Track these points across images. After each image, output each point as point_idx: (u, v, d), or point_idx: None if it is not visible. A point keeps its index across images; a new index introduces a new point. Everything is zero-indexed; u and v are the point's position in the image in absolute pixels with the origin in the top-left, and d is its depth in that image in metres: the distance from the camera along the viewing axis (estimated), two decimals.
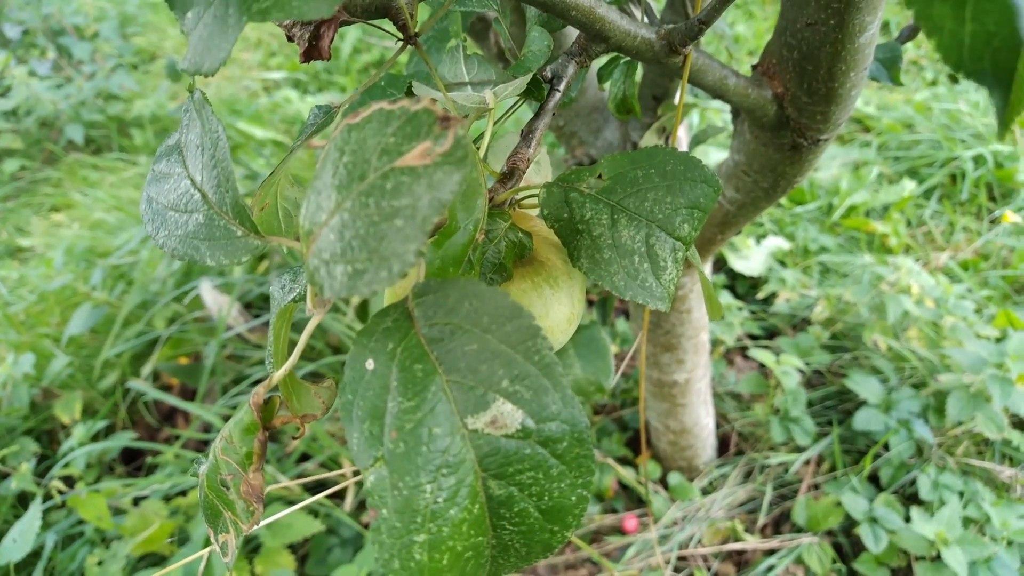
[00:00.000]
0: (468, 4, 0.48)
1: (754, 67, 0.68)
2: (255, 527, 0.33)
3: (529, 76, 0.46)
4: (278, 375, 0.33)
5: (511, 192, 0.43)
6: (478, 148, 0.45)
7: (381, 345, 0.29)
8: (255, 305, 1.74)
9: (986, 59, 0.22)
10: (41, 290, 1.79)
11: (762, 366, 1.58)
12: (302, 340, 0.32)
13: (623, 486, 1.41)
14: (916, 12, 0.22)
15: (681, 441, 1.36)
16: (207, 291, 1.64)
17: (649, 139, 0.97)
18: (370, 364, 0.29)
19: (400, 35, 0.39)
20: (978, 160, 2.13)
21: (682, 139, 1.12)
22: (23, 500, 1.37)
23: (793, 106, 0.67)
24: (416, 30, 0.39)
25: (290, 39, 0.38)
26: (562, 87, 0.51)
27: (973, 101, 2.32)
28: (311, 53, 0.36)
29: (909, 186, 2.02)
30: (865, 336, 1.48)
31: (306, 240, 0.27)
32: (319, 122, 0.38)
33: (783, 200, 2.06)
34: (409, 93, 0.49)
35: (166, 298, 1.69)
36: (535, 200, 0.46)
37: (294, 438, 0.34)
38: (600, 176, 0.39)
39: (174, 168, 0.33)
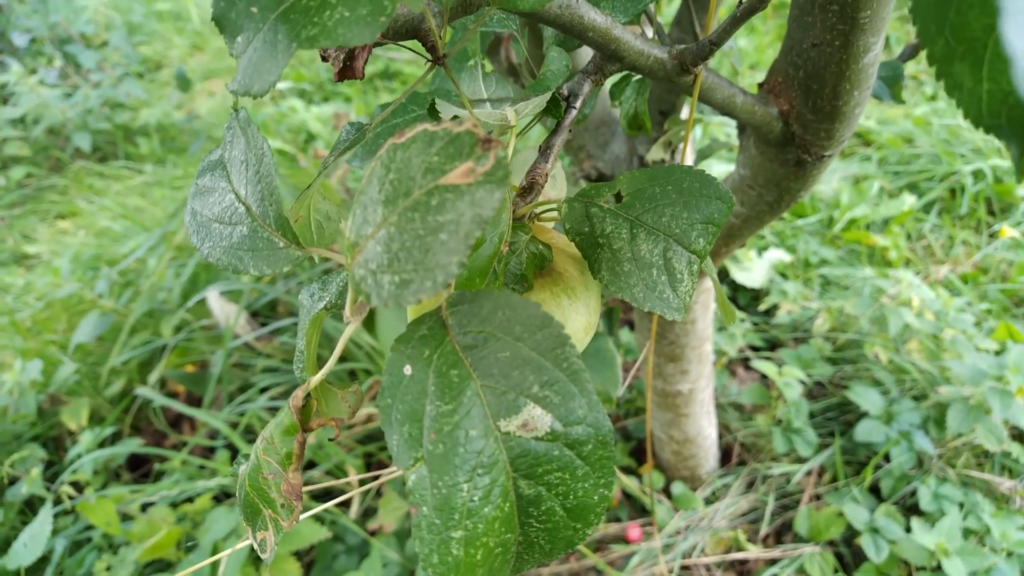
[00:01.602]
0: (491, 25, 0.50)
1: (760, 85, 0.70)
2: (292, 526, 0.34)
3: (548, 94, 0.48)
4: (315, 380, 0.35)
5: (531, 206, 0.45)
6: None
7: (418, 352, 0.31)
8: (261, 314, 1.75)
9: (1003, 115, 0.24)
10: (48, 297, 1.80)
11: (764, 377, 1.59)
12: (339, 347, 0.34)
13: (627, 495, 1.42)
14: (937, 71, 0.24)
15: (684, 451, 1.37)
16: (214, 300, 1.65)
17: (656, 153, 0.99)
18: (407, 370, 0.31)
19: (428, 56, 0.41)
20: (977, 175, 2.16)
21: (688, 153, 1.14)
22: (30, 505, 1.38)
23: (798, 123, 0.69)
24: (444, 51, 0.41)
25: (325, 59, 0.39)
26: (578, 104, 0.53)
27: None
28: (345, 73, 0.38)
29: (909, 200, 2.04)
30: (866, 348, 1.50)
31: (351, 251, 0.29)
32: (351, 139, 0.40)
33: (785, 213, 2.09)
34: (431, 110, 0.51)
35: (173, 306, 1.71)
36: (553, 213, 0.48)
37: (330, 440, 0.35)
38: (619, 192, 0.40)
39: (218, 182, 0.35)
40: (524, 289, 0.43)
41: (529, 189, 0.48)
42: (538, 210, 0.47)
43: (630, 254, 0.38)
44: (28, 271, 2.17)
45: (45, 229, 2.37)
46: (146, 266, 1.85)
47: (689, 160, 1.14)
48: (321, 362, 0.43)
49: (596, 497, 0.32)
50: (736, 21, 0.51)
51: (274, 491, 0.33)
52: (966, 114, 0.25)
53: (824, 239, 1.99)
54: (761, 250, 1.92)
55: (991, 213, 2.13)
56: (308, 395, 0.36)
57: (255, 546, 0.34)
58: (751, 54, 2.90)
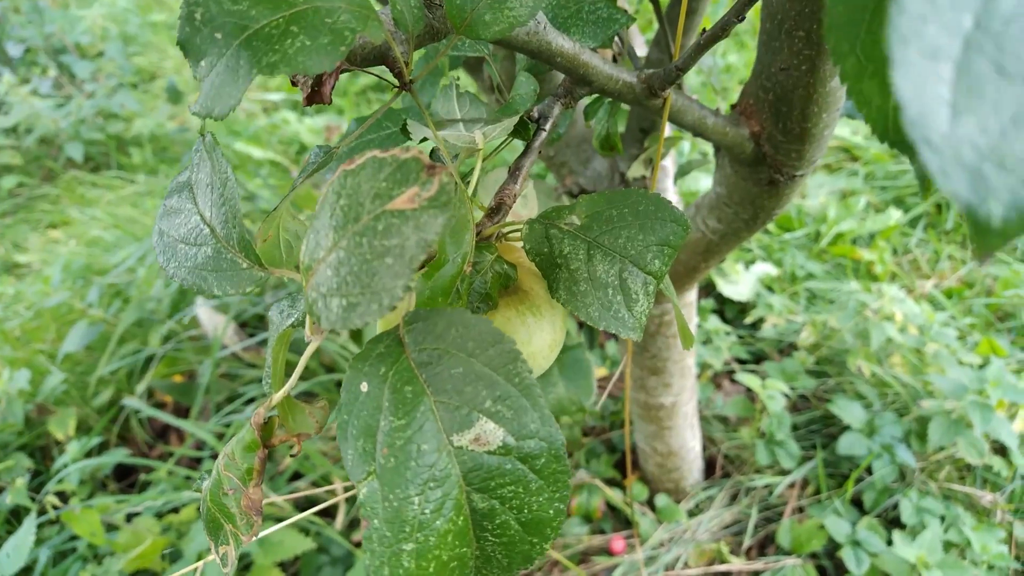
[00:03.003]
0: (462, 49, 0.52)
1: (733, 106, 0.71)
2: (251, 540, 0.35)
3: (516, 118, 0.49)
4: (277, 397, 0.36)
5: (498, 227, 0.46)
6: (468, 184, 0.48)
7: (374, 369, 0.32)
8: (250, 324, 1.76)
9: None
10: (37, 306, 1.81)
11: (748, 390, 1.61)
12: (300, 364, 0.35)
13: (611, 507, 1.43)
14: (849, 88, 0.26)
15: (668, 463, 1.38)
16: (203, 310, 1.66)
17: (636, 169, 1.01)
18: (364, 386, 0.32)
19: (396, 82, 0.42)
20: None
21: (669, 169, 1.16)
22: (16, 515, 1.38)
23: (769, 144, 0.70)
24: (411, 77, 0.42)
25: (294, 84, 0.41)
26: (548, 127, 0.54)
27: None
28: (313, 98, 0.39)
29: (895, 215, 2.06)
30: (849, 362, 1.51)
31: (306, 275, 0.30)
32: (319, 161, 0.41)
33: (771, 226, 2.11)
34: (403, 129, 0.53)
35: (162, 316, 1.72)
36: (519, 231, 0.50)
37: (291, 456, 0.36)
38: (579, 214, 0.42)
39: (185, 204, 0.36)
40: (489, 308, 0.44)
41: (497, 209, 0.49)
42: (505, 230, 0.48)
43: (587, 274, 0.40)
44: (18, 280, 2.17)
45: (36, 238, 2.38)
46: (136, 276, 1.86)
47: (669, 176, 1.15)
48: (306, 375, 0.44)
49: (551, 511, 0.33)
50: (700, 48, 0.53)
51: (234, 506, 0.34)
52: (873, 129, 0.26)
53: (811, 253, 2.01)
54: (748, 263, 1.94)
55: None
56: (272, 412, 0.37)
57: (217, 560, 0.35)
58: (740, 69, 2.92)
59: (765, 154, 0.72)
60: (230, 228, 0.34)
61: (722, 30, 0.51)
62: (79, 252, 2.18)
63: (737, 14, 0.50)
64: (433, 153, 0.50)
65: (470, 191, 0.46)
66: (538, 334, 0.45)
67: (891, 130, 0.26)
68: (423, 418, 0.31)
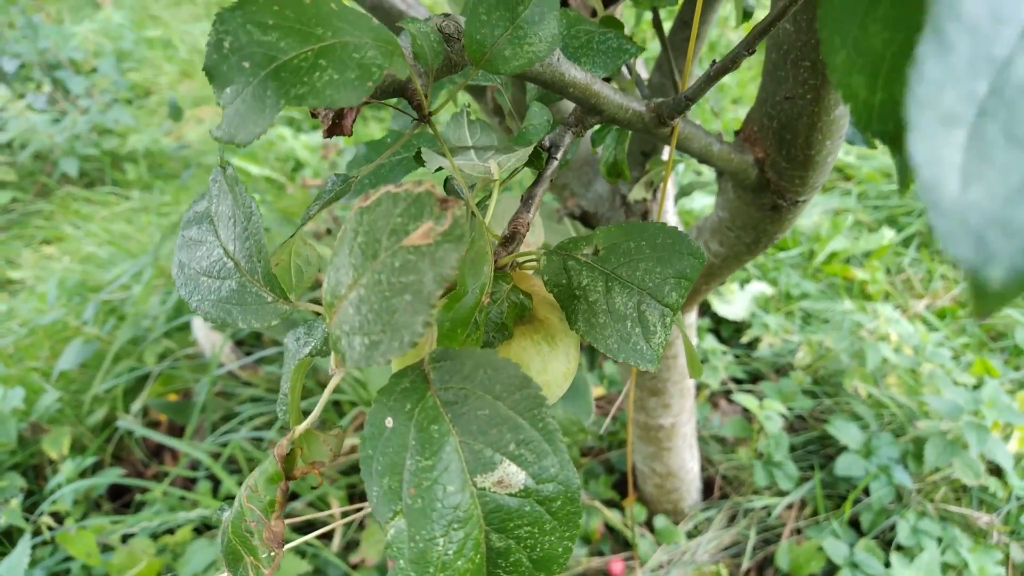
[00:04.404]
0: (476, 79, 0.52)
1: (737, 133, 0.72)
2: (272, 573, 0.35)
3: (531, 148, 0.49)
4: (300, 429, 0.36)
5: (512, 256, 0.46)
6: (484, 214, 0.48)
7: (400, 405, 0.32)
8: (247, 343, 1.75)
9: (890, 122, 0.26)
10: (31, 324, 1.79)
11: (746, 410, 1.61)
12: (323, 398, 0.35)
13: (610, 529, 1.42)
14: (837, 81, 0.26)
15: (667, 484, 1.38)
16: (200, 328, 1.65)
17: (637, 193, 1.01)
18: (389, 422, 0.32)
19: (415, 114, 0.42)
20: None
21: (669, 191, 1.16)
22: (8, 536, 1.36)
23: (773, 170, 0.71)
24: (430, 109, 0.42)
25: (314, 116, 0.41)
26: (559, 155, 0.54)
27: None
28: (334, 130, 0.40)
29: (888, 234, 2.08)
30: (846, 382, 1.52)
31: (329, 312, 0.30)
32: (336, 190, 0.41)
33: (762, 253, 2.12)
34: (417, 157, 0.53)
35: (157, 334, 1.71)
36: (533, 260, 0.50)
37: (312, 488, 0.36)
38: (596, 246, 0.42)
39: (206, 236, 0.36)
40: (505, 337, 0.44)
41: (511, 238, 0.49)
42: (520, 259, 0.49)
43: (605, 306, 0.40)
44: (11, 297, 2.16)
45: (30, 254, 2.36)
46: (131, 293, 1.85)
47: (670, 198, 1.16)
48: (304, 394, 0.44)
49: (560, 548, 0.33)
50: (710, 80, 0.53)
51: (256, 539, 0.34)
52: (858, 121, 0.27)
53: (805, 272, 2.02)
54: (743, 283, 1.95)
55: None
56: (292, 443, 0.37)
57: None
58: (733, 89, 2.96)
59: (768, 180, 0.72)
60: (255, 262, 0.34)
61: (732, 62, 0.52)
62: (73, 269, 2.17)
63: (748, 47, 0.51)
64: (448, 183, 0.50)
65: (486, 220, 0.46)
66: (553, 363, 0.45)
67: (875, 121, 0.27)
68: (449, 459, 0.31)
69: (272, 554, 0.34)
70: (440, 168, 0.50)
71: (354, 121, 0.40)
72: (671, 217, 1.15)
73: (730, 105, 2.91)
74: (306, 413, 0.39)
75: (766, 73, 0.66)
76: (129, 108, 3.17)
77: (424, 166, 0.52)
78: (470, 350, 0.31)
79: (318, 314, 0.48)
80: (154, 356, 1.66)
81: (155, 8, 4.28)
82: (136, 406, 1.54)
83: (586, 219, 1.07)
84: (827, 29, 0.27)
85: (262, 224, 0.34)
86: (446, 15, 0.44)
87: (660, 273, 0.40)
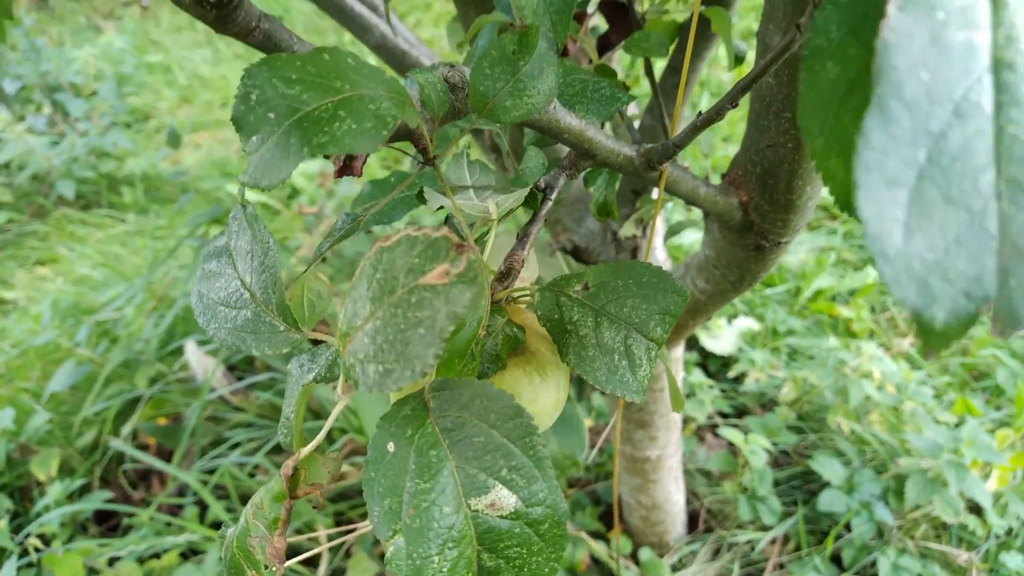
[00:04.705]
0: (478, 125, 0.55)
1: (723, 176, 0.76)
2: None
3: (527, 190, 0.52)
4: (305, 451, 0.38)
5: (508, 292, 0.49)
6: (482, 251, 0.51)
7: (401, 431, 0.34)
8: (238, 367, 1.76)
9: None
10: (23, 344, 1.80)
11: (731, 444, 1.63)
12: (328, 423, 0.37)
13: (595, 560, 1.43)
14: (816, 164, 0.29)
15: (652, 517, 1.39)
16: (192, 352, 1.66)
17: (628, 229, 1.05)
18: (391, 447, 0.34)
19: (420, 157, 0.45)
20: None
21: (659, 228, 1.20)
22: None
23: (756, 213, 0.74)
24: (434, 153, 0.45)
25: (326, 156, 0.44)
26: (553, 196, 0.57)
27: None
28: (344, 171, 0.43)
29: (873, 273, 2.12)
30: (829, 418, 1.54)
31: (343, 340, 0.33)
32: (346, 228, 0.44)
33: (747, 290, 2.16)
34: (419, 196, 0.56)
35: (149, 357, 1.72)
36: (527, 295, 0.52)
37: (313, 508, 0.38)
38: (587, 283, 0.45)
39: (225, 269, 0.39)
40: (499, 368, 0.46)
41: (507, 274, 0.52)
42: (515, 294, 0.51)
43: (595, 340, 0.43)
44: (4, 317, 2.16)
45: (23, 275, 2.37)
46: (124, 315, 1.86)
47: (659, 235, 1.20)
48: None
49: (547, 569, 0.35)
50: (696, 130, 0.57)
51: (259, 554, 0.36)
52: (836, 200, 0.30)
53: (791, 309, 2.06)
54: (731, 318, 1.98)
55: None
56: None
57: None
58: (723, 127, 3.02)
59: (752, 222, 0.76)
60: (270, 293, 0.36)
61: (717, 114, 0.55)
62: (66, 290, 2.18)
63: (731, 101, 0.54)
64: (448, 220, 0.53)
65: (484, 256, 0.49)
66: (543, 394, 0.48)
67: (852, 199, 0.30)
68: (446, 482, 0.33)
69: (274, 569, 0.36)
70: (441, 207, 0.53)
71: (364, 163, 0.42)
72: (660, 253, 1.18)
73: (721, 143, 2.98)
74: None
75: (750, 122, 0.70)
76: (127, 132, 3.20)
77: (426, 203, 0.55)
78: (468, 380, 0.34)
79: (317, 342, 0.50)
80: (145, 379, 1.67)
81: (156, 33, 4.34)
82: (126, 429, 1.55)
83: (578, 253, 1.10)
84: (806, 118, 0.30)
85: (279, 259, 0.37)
86: (451, 65, 0.48)
87: (646, 309, 0.43)
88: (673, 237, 2.16)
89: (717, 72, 3.23)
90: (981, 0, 0.21)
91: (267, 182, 0.34)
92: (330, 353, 0.45)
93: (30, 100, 3.27)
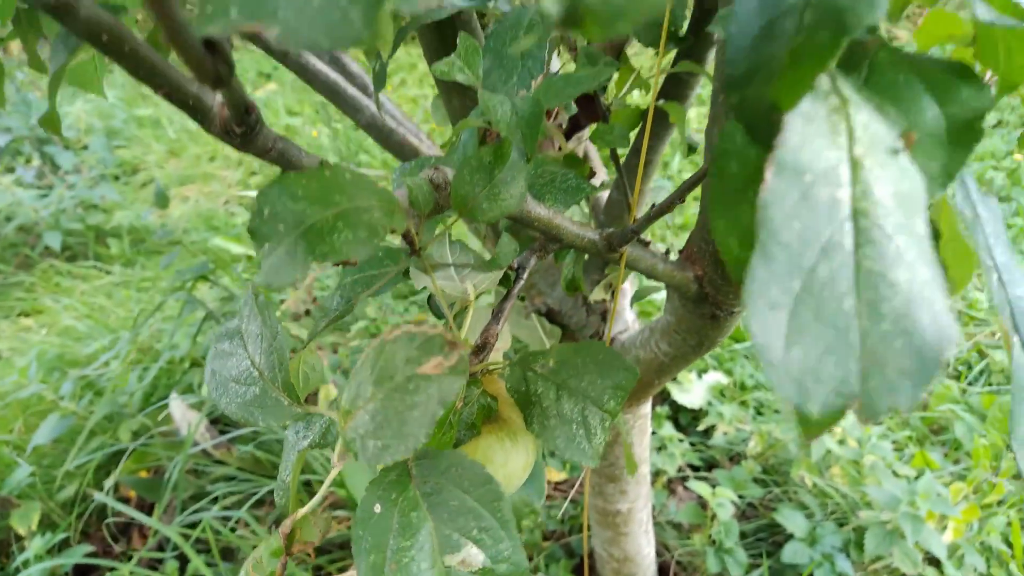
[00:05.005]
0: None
1: (680, 251, 0.83)
2: None
3: (501, 272, 0.59)
4: (302, 512, 0.44)
5: (484, 365, 0.56)
6: (460, 328, 0.58)
7: (387, 494, 0.40)
8: (221, 420, 1.80)
9: None
10: (8, 397, 1.82)
11: (700, 497, 1.68)
12: (324, 487, 0.43)
13: None
14: (718, 241, 0.36)
15: (624, 569, 1.43)
16: (176, 406, 1.70)
17: (598, 293, 1.12)
18: (377, 508, 0.40)
19: (407, 247, 0.52)
20: None
21: (627, 291, 1.28)
22: None
23: (711, 286, 0.82)
24: (420, 245, 0.52)
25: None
26: (525, 275, 0.64)
27: None
28: (344, 262, 0.49)
29: None
30: (793, 472, 1.61)
31: (345, 416, 0.39)
32: (340, 310, 0.51)
33: (707, 353, 2.24)
34: (406, 272, 0.62)
35: (133, 410, 1.74)
36: (500, 367, 0.59)
37: (303, 562, 0.44)
38: (550, 360, 0.52)
39: (236, 349, 0.45)
40: (473, 435, 0.53)
41: (482, 347, 0.58)
42: (490, 367, 0.58)
43: (556, 411, 0.49)
44: None
45: (8, 326, 2.39)
46: (109, 368, 1.89)
47: (627, 297, 1.27)
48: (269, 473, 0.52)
49: None
50: (652, 217, 0.64)
51: None
52: (731, 271, 0.36)
53: (758, 363, 2.14)
54: (701, 372, 2.05)
55: None
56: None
57: None
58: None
59: (707, 293, 0.83)
60: (276, 372, 0.43)
61: (668, 206, 0.63)
62: (51, 341, 2.20)
63: (679, 197, 0.62)
64: (431, 300, 0.59)
65: (463, 334, 0.56)
66: (514, 457, 0.54)
67: (742, 275, 0.36)
68: (424, 540, 0.39)
69: None
70: (424, 287, 0.59)
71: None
72: (628, 315, 1.26)
73: (692, 200, 3.09)
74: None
75: (702, 205, 0.78)
76: (116, 184, 3.26)
77: (410, 279, 0.62)
78: (447, 451, 0.40)
79: (310, 413, 0.56)
80: (129, 433, 1.69)
81: (147, 87, 4.43)
82: (109, 483, 1.57)
83: (551, 316, 1.17)
84: (713, 204, 0.38)
85: (286, 342, 0.43)
86: (436, 167, 0.55)
87: (600, 384, 0.50)
88: (641, 300, 2.24)
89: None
90: (843, 163, 0.29)
91: (278, 284, 0.40)
92: (323, 422, 0.51)
93: (20, 152, 3.33)
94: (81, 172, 3.16)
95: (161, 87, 0.36)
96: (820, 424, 0.29)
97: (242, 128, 0.40)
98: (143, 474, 1.68)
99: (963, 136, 0.30)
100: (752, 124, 0.29)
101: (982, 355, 2.25)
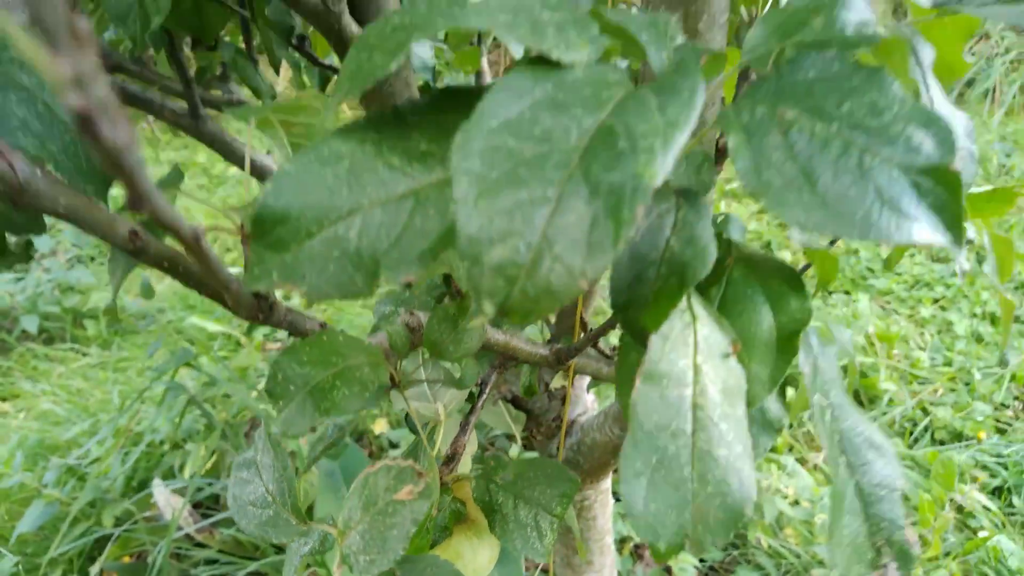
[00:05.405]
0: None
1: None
2: None
3: (467, 392, 0.71)
4: None
5: (453, 476, 0.67)
6: (433, 445, 0.69)
7: None
8: (204, 504, 1.85)
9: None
10: None
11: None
12: None
13: None
14: (617, 395, 0.48)
15: None
16: (160, 492, 1.75)
17: (558, 381, 1.24)
18: None
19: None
20: (846, 369, 2.51)
21: (584, 377, 1.40)
22: None
23: None
24: (399, 380, 0.64)
25: None
26: (487, 390, 0.76)
27: (839, 316, 2.76)
28: None
29: (789, 392, 2.36)
30: (750, 534, 1.71)
31: (341, 536, 0.50)
32: (334, 437, 0.62)
33: None
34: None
35: (116, 496, 1.80)
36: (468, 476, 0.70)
37: None
38: (510, 473, 0.63)
39: (253, 477, 0.55)
40: (446, 536, 0.63)
41: (452, 458, 0.70)
42: (460, 477, 0.69)
43: (513, 518, 0.60)
44: None
45: None
46: (91, 454, 1.94)
47: (585, 381, 1.40)
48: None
49: None
50: (591, 338, 0.77)
51: None
52: (623, 410, 0.48)
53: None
54: None
55: (860, 403, 2.46)
56: None
57: None
58: None
59: None
60: (286, 498, 0.53)
61: (603, 331, 0.76)
62: (29, 426, 2.24)
63: (613, 324, 0.75)
64: (408, 418, 0.70)
65: (434, 452, 0.67)
66: (481, 551, 0.65)
67: (629, 415, 0.48)
68: None
69: None
70: (402, 408, 0.70)
71: None
72: (587, 397, 1.38)
73: None
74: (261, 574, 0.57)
75: None
76: (92, 265, 3.33)
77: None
78: (424, 555, 0.51)
79: (312, 529, 0.66)
80: (112, 518, 1.75)
81: None
82: (95, 569, 1.61)
83: (516, 402, 1.28)
84: (618, 376, 0.50)
85: (293, 470, 0.54)
86: (411, 312, 0.67)
87: (550, 493, 0.61)
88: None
89: None
90: (689, 369, 0.41)
91: (291, 433, 0.52)
92: (321, 532, 0.61)
93: None
94: (57, 255, 3.23)
95: (204, 292, 0.48)
96: (667, 554, 0.40)
97: (264, 313, 0.52)
98: (127, 559, 1.72)
99: (787, 346, 0.43)
100: (633, 336, 0.42)
101: (926, 412, 2.40)
